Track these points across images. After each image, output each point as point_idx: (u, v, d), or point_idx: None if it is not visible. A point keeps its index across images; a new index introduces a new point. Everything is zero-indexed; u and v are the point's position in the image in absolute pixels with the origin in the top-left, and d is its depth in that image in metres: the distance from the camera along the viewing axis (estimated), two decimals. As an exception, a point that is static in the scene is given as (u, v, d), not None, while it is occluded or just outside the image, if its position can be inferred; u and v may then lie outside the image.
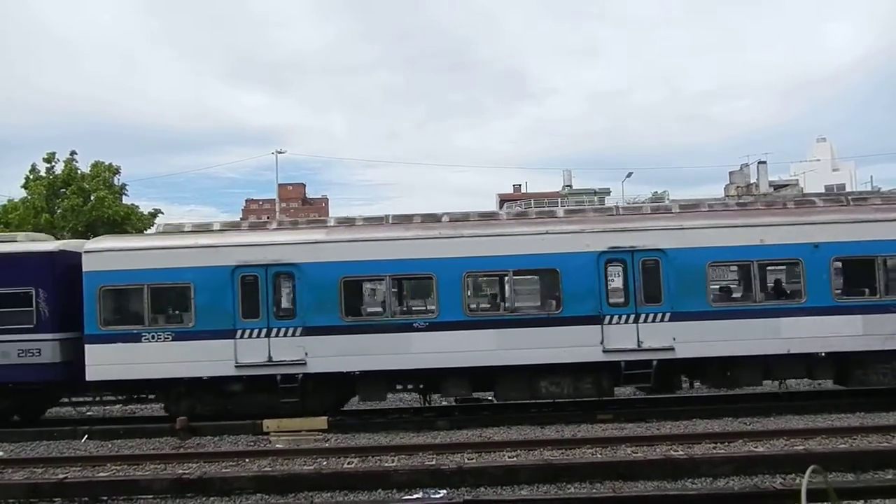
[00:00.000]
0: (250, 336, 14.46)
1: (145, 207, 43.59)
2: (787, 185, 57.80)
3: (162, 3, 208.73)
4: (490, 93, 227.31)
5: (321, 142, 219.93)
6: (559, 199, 63.10)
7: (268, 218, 28.93)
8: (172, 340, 14.45)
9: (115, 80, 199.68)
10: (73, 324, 14.74)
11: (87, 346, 14.40)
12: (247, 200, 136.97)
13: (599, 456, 11.19)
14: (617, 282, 14.89)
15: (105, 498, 9.90)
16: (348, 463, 11.25)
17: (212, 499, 9.71)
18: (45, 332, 14.67)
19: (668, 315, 14.28)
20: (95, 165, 40.92)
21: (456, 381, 14.74)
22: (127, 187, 42.58)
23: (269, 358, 14.40)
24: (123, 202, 41.42)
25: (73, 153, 40.18)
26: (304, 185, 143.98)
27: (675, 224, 14.78)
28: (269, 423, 14.38)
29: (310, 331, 14.39)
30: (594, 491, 9.41)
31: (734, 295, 15.94)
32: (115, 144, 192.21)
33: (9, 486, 10.23)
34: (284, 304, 14.95)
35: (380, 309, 15.35)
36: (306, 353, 14.34)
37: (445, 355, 14.23)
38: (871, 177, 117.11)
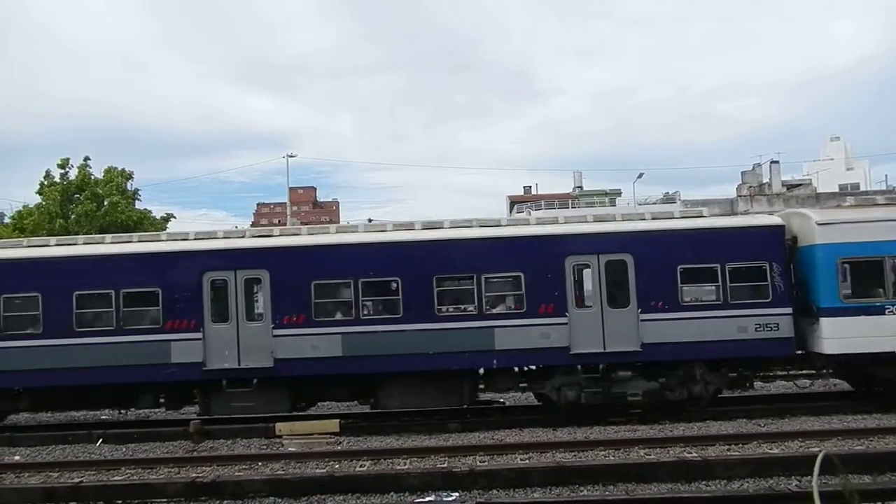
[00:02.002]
0: None
1: (158, 212, 43.97)
2: (800, 185, 57.27)
3: (166, 6, 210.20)
4: (496, 93, 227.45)
5: (328, 144, 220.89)
6: (570, 201, 62.86)
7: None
8: None
9: (122, 85, 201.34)
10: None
11: (824, 320, 14.25)
12: (258, 204, 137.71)
13: (612, 458, 11.13)
14: None
15: (120, 502, 9.97)
16: (360, 466, 11.25)
17: (225, 502, 9.76)
18: (781, 307, 14.54)
19: None
20: (109, 171, 41.30)
21: None
22: (140, 192, 43.00)
23: None
24: (136, 207, 41.82)
25: (86, 159, 40.63)
26: (315, 189, 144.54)
27: None
28: (281, 427, 14.44)
29: None
30: (607, 493, 9.38)
31: None
32: (126, 149, 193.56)
33: (25, 491, 10.33)
34: None
35: None
36: None
37: None
38: (886, 175, 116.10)
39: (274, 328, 14.65)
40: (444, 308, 14.74)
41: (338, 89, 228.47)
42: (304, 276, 14.78)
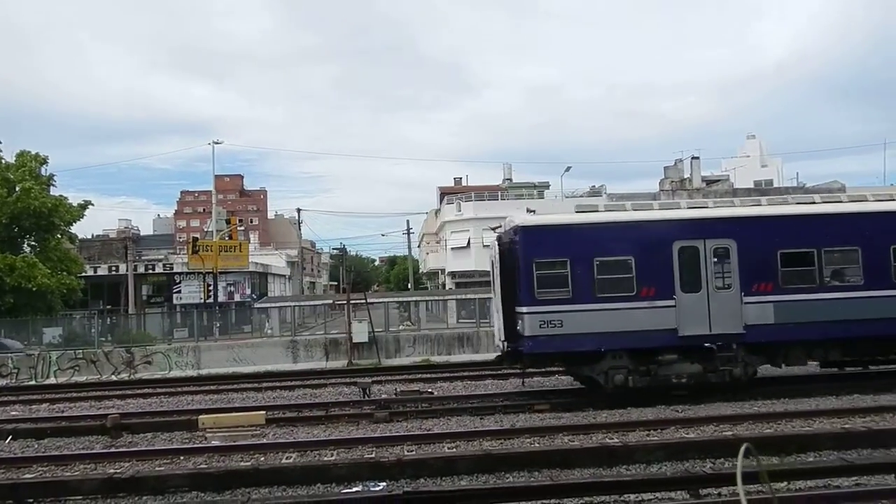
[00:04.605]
0: None
1: (75, 199, 42.19)
2: (718, 181, 59.59)
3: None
4: (431, 86, 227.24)
5: (263, 133, 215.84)
6: (499, 193, 63.43)
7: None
8: None
9: (55, 68, 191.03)
10: None
11: None
12: (182, 192, 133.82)
13: (537, 445, 11.36)
14: None
15: (31, 500, 9.53)
16: (287, 458, 11.12)
17: (145, 498, 9.46)
18: None
19: None
20: (21, 155, 39.50)
21: None
22: (55, 178, 41.18)
23: None
24: (51, 193, 40.05)
25: (-4, 142, 38.61)
26: (242, 177, 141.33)
27: None
28: (204, 419, 14.13)
29: None
30: (532, 479, 9.55)
31: None
32: (40, 133, 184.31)
33: (-74, 491, 9.77)
34: None
35: None
36: None
37: None
38: (798, 173, 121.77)
39: None
40: None
41: (274, 79, 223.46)
42: None
